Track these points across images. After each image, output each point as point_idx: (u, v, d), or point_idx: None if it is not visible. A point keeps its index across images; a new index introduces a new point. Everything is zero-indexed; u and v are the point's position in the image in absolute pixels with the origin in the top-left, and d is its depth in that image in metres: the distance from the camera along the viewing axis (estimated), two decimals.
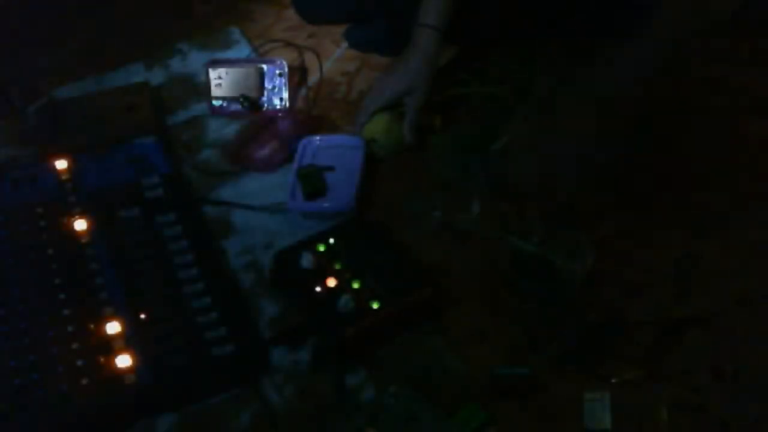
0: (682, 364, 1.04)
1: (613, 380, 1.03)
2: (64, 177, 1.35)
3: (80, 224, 1.26)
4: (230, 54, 1.64)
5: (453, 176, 1.31)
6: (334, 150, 1.37)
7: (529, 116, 1.32)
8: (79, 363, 1.08)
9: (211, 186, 1.37)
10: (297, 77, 1.56)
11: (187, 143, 1.47)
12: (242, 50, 1.65)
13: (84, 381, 1.06)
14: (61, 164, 1.37)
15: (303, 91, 1.54)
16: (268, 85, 1.50)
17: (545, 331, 1.09)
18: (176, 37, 1.72)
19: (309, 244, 1.19)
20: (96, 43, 1.73)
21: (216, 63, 1.52)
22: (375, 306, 1.10)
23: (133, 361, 1.08)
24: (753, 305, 1.11)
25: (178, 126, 1.51)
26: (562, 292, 1.11)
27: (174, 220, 1.26)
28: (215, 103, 1.51)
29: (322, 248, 1.18)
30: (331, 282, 1.14)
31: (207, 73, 1.51)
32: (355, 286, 1.13)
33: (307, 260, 1.16)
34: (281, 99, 1.50)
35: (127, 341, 1.10)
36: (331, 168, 1.33)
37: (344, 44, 1.63)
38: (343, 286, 1.13)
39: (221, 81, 1.50)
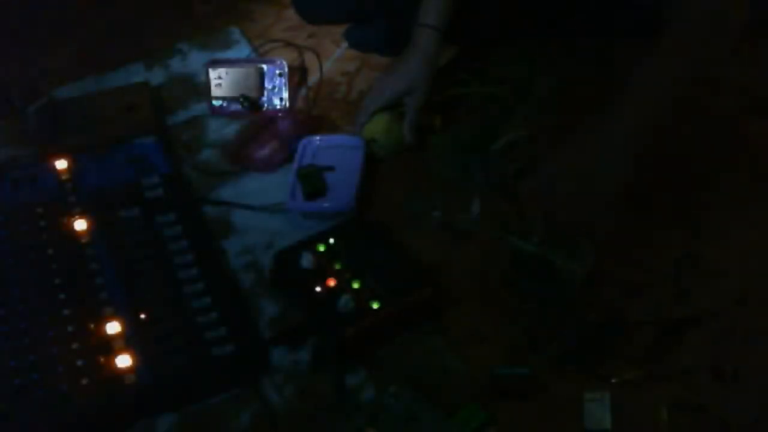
0: (682, 364, 1.04)
1: (613, 380, 1.03)
2: (64, 177, 1.35)
3: (80, 224, 1.26)
4: (230, 54, 1.64)
5: (453, 176, 1.32)
6: (334, 150, 1.37)
7: (529, 116, 1.33)
8: (79, 363, 1.08)
9: (211, 186, 1.37)
10: (297, 77, 1.56)
11: (187, 143, 1.47)
12: (242, 50, 1.65)
13: (84, 381, 1.06)
14: (61, 164, 1.37)
15: (303, 91, 1.54)
16: (268, 85, 1.50)
17: (545, 331, 1.08)
18: (176, 37, 1.72)
19: (309, 244, 1.19)
20: (96, 43, 1.73)
21: (216, 63, 1.52)
22: (375, 306, 1.10)
23: (133, 361, 1.08)
24: (753, 305, 1.10)
25: (178, 126, 1.51)
26: (562, 292, 1.11)
27: (174, 220, 1.26)
28: (215, 103, 1.51)
29: (322, 248, 1.18)
30: (331, 282, 1.14)
31: (207, 73, 1.51)
32: (355, 286, 1.13)
33: (307, 260, 1.16)
34: (281, 99, 1.50)
35: (127, 341, 1.10)
36: (331, 168, 1.33)
37: (344, 44, 1.63)
38: (343, 286, 1.13)
39: (221, 81, 1.50)
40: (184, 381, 1.08)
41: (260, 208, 1.32)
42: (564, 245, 1.11)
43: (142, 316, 1.13)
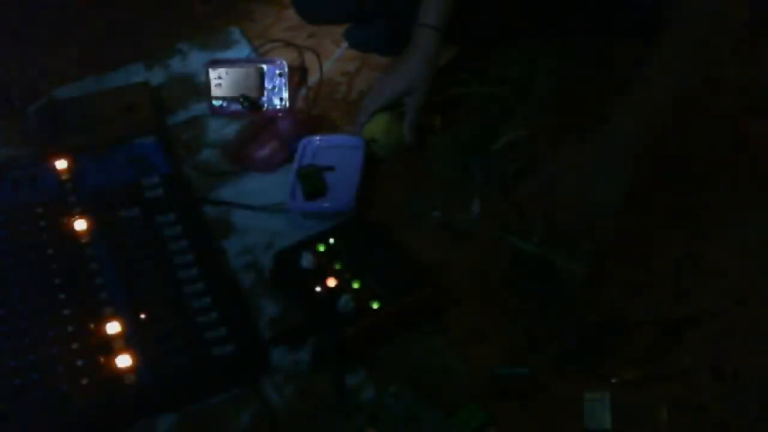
0: (682, 364, 1.04)
1: (613, 380, 1.03)
2: (64, 177, 1.35)
3: (80, 224, 1.26)
4: (230, 54, 1.64)
5: (453, 176, 1.32)
6: (334, 150, 1.37)
7: (529, 116, 1.32)
8: (79, 363, 1.08)
9: (211, 186, 1.37)
10: (297, 77, 1.56)
11: (187, 143, 1.47)
12: (242, 50, 1.65)
13: (84, 381, 1.06)
14: (61, 164, 1.37)
15: (303, 91, 1.54)
16: (268, 85, 1.50)
17: (545, 331, 1.08)
18: (176, 37, 1.72)
19: (309, 244, 1.19)
20: (96, 43, 1.73)
21: (216, 63, 1.52)
22: (375, 306, 1.10)
23: (133, 361, 1.08)
24: (753, 305, 1.11)
25: (178, 126, 1.51)
26: (562, 292, 1.11)
27: (174, 220, 1.26)
28: (215, 103, 1.51)
29: (322, 248, 1.18)
30: (331, 282, 1.14)
31: (207, 73, 1.51)
32: (355, 286, 1.13)
33: (307, 260, 1.16)
34: (281, 99, 1.50)
35: (127, 341, 1.10)
36: (331, 168, 1.33)
37: (344, 44, 1.63)
38: (343, 286, 1.13)
39: (221, 81, 1.50)
40: (184, 381, 1.08)
41: (260, 208, 1.32)
42: (564, 245, 1.11)
43: (142, 316, 1.13)
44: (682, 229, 1.21)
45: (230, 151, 1.42)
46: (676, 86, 1.10)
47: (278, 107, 1.49)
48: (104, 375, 1.06)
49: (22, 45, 1.72)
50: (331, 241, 1.19)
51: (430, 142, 1.38)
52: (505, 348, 1.09)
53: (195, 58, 1.65)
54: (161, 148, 1.40)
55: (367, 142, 1.37)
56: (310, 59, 1.60)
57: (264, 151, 1.40)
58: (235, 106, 1.50)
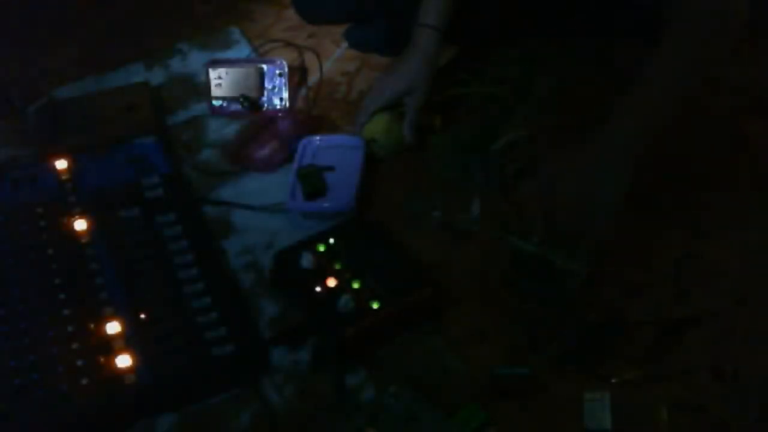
0: (682, 364, 1.04)
1: (613, 380, 1.03)
2: (64, 177, 1.35)
3: (80, 224, 1.26)
4: (230, 54, 1.64)
5: (453, 176, 1.32)
6: (334, 150, 1.37)
7: (529, 116, 1.32)
8: (79, 363, 1.08)
9: (211, 186, 1.37)
10: (297, 77, 1.56)
11: (187, 143, 1.47)
12: (242, 50, 1.65)
13: (84, 381, 1.06)
14: (61, 164, 1.37)
15: (303, 91, 1.54)
16: (268, 85, 1.50)
17: (545, 331, 1.08)
18: (176, 37, 1.72)
19: (309, 244, 1.19)
20: (96, 43, 1.73)
21: (216, 63, 1.52)
22: (375, 306, 1.10)
23: (133, 361, 1.08)
24: (753, 305, 1.11)
25: (178, 126, 1.51)
26: (562, 292, 1.11)
27: (174, 220, 1.26)
28: (215, 103, 1.51)
29: (322, 248, 1.18)
30: (331, 282, 1.14)
31: (207, 73, 1.51)
32: (355, 286, 1.13)
33: (307, 260, 1.16)
34: (281, 99, 1.50)
35: (127, 341, 1.10)
36: (331, 168, 1.33)
37: (344, 44, 1.63)
38: (343, 286, 1.13)
39: (221, 81, 1.50)
40: (184, 381, 1.08)
41: (260, 208, 1.32)
42: (564, 245, 1.11)
43: (142, 316, 1.13)
44: (682, 229, 1.21)
45: (230, 151, 1.42)
46: (677, 86, 1.10)
47: (278, 107, 1.49)
48: (104, 375, 1.06)
49: (22, 45, 1.72)
50: (331, 241, 1.19)
51: (430, 142, 1.38)
52: (505, 348, 1.09)
53: (195, 58, 1.65)
54: (161, 148, 1.40)
55: (367, 142, 1.37)
56: (310, 59, 1.60)
57: (264, 151, 1.40)
58: (235, 106, 1.50)
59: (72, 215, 1.27)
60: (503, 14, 1.46)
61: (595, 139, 1.10)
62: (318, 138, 1.40)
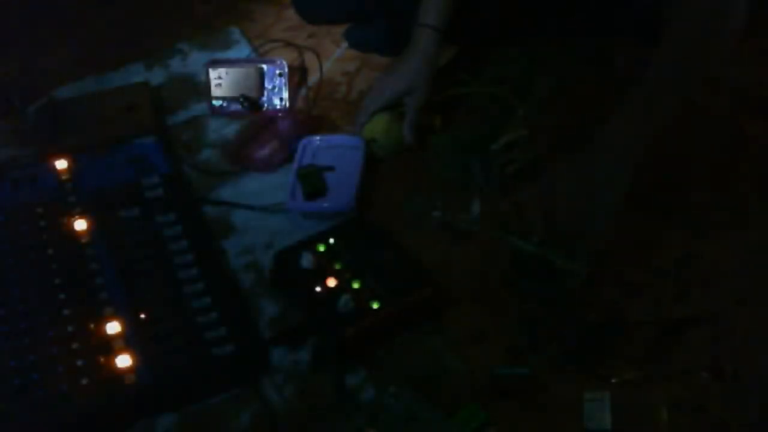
0: (682, 364, 1.04)
1: (613, 380, 1.03)
2: (64, 177, 1.35)
3: (80, 224, 1.26)
4: (230, 54, 1.64)
5: (453, 176, 1.31)
6: (334, 150, 1.37)
7: (529, 116, 1.32)
8: (79, 363, 1.08)
9: (211, 186, 1.37)
10: (297, 77, 1.56)
11: (187, 143, 1.47)
12: (242, 50, 1.65)
13: (84, 381, 1.06)
14: (61, 164, 1.37)
15: (303, 91, 1.54)
16: (268, 85, 1.50)
17: (545, 331, 1.08)
18: (176, 37, 1.72)
19: (309, 244, 1.19)
20: (96, 43, 1.73)
21: (216, 63, 1.52)
22: (375, 306, 1.10)
23: (133, 361, 1.08)
24: (753, 305, 1.10)
25: (178, 126, 1.51)
26: (562, 292, 1.11)
27: (174, 220, 1.26)
28: (215, 103, 1.51)
29: (322, 248, 1.18)
30: (331, 282, 1.14)
31: (207, 73, 1.51)
32: (355, 286, 1.13)
33: (307, 260, 1.16)
34: (281, 99, 1.50)
35: (127, 341, 1.10)
36: (331, 168, 1.33)
37: (344, 44, 1.63)
38: (343, 286, 1.13)
39: (221, 81, 1.50)
40: (184, 381, 1.08)
41: (260, 208, 1.32)
42: (564, 245, 1.11)
43: (142, 316, 1.13)
44: (682, 229, 1.21)
45: (230, 151, 1.42)
46: (677, 86, 1.10)
47: (278, 107, 1.49)
48: (104, 375, 1.07)
49: (22, 45, 1.72)
50: (331, 241, 1.19)
51: (430, 142, 1.38)
52: (505, 348, 1.09)
53: (195, 58, 1.65)
54: (161, 148, 1.40)
55: (367, 142, 1.37)
56: (310, 59, 1.60)
57: (264, 151, 1.40)
58: (235, 106, 1.50)
59: (72, 215, 1.27)
60: (503, 14, 1.46)
61: (595, 140, 1.10)
62: (318, 138, 1.40)
